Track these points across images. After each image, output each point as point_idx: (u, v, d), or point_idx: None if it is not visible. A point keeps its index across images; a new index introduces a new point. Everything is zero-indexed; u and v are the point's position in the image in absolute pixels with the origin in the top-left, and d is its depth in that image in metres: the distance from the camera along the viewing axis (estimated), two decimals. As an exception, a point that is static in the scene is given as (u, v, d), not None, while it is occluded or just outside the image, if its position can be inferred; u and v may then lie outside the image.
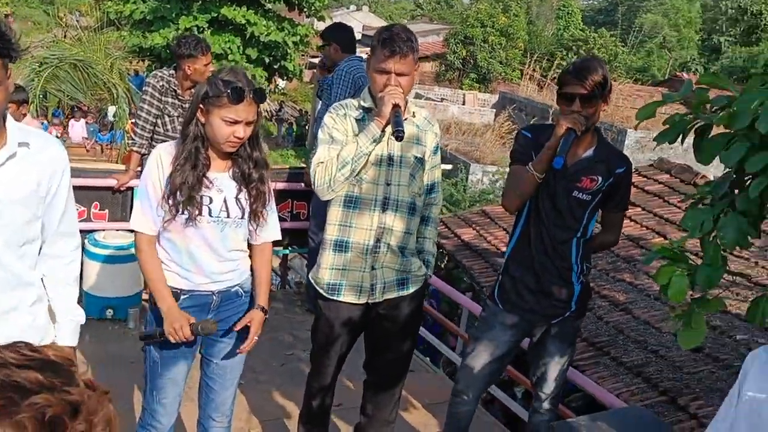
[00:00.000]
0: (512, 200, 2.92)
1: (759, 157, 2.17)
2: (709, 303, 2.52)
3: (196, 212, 2.34)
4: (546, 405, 3.06)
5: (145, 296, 4.79)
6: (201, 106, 2.31)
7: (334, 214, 2.74)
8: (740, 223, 2.36)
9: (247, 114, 2.30)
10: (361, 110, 2.71)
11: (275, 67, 17.06)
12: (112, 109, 12.91)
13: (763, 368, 1.64)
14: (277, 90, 24.86)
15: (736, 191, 2.41)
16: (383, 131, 2.59)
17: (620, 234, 3.09)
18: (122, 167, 5.13)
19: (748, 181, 2.30)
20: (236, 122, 2.28)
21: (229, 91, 2.24)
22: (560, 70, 3.06)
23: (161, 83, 4.56)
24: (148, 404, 2.55)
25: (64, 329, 2.14)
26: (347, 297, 2.78)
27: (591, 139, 2.83)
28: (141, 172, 4.68)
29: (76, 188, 2.13)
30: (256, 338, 2.49)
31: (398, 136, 2.47)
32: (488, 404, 5.44)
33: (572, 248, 2.86)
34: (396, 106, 2.51)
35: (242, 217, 2.45)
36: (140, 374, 3.65)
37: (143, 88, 4.68)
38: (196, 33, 13.90)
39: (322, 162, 2.64)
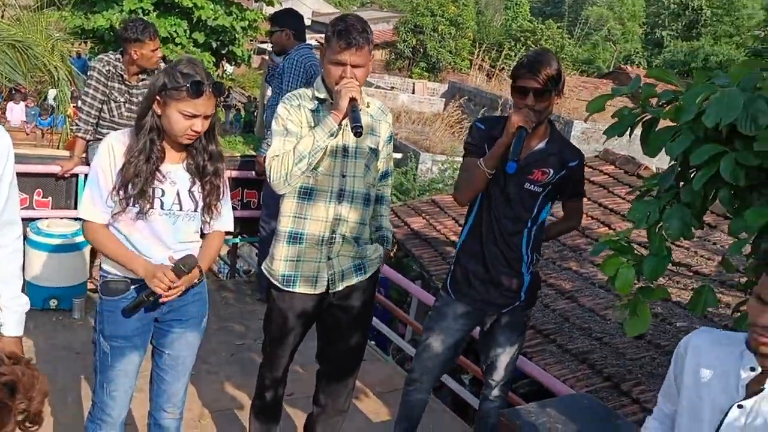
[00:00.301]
0: (464, 194, 2.96)
1: (703, 149, 2.25)
2: (653, 292, 2.60)
3: (148, 205, 2.30)
4: (496, 392, 3.12)
5: (90, 285, 4.68)
6: (158, 97, 2.27)
7: (289, 205, 2.72)
8: (684, 215, 2.43)
9: (206, 108, 2.27)
10: (315, 101, 2.69)
11: (223, 52, 16.76)
12: (52, 93, 12.48)
13: (698, 353, 1.70)
14: (224, 75, 24.46)
15: (681, 184, 2.49)
16: (340, 125, 2.57)
17: (581, 219, 3.17)
18: (66, 153, 4.98)
19: (693, 174, 2.38)
20: (195, 116, 2.26)
21: (188, 84, 2.21)
22: (508, 61, 3.13)
23: (107, 68, 4.44)
24: (98, 397, 2.49)
25: (9, 319, 2.07)
26: (302, 288, 2.76)
27: (544, 132, 2.87)
28: (86, 158, 4.57)
29: (17, 175, 2.06)
30: (182, 288, 2.37)
31: (357, 132, 2.45)
32: (436, 391, 5.50)
33: (523, 239, 2.90)
34: (353, 100, 2.49)
35: (195, 210, 2.41)
36: (86, 365, 3.58)
37: (88, 73, 4.55)
38: (141, 15, 13.55)
39: (277, 155, 2.60)
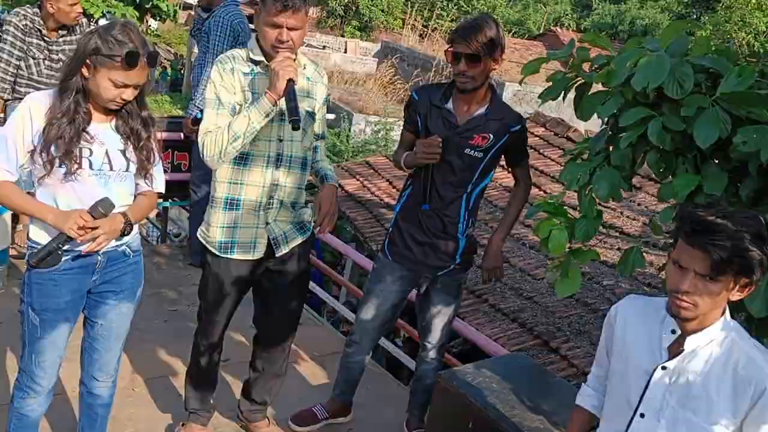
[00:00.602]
0: (397, 167, 3.08)
1: (631, 112, 2.30)
2: (584, 253, 2.66)
3: (75, 166, 2.20)
4: (432, 354, 3.17)
5: (13, 252, 4.49)
6: (88, 60, 2.16)
7: (224, 171, 2.66)
8: (614, 177, 2.50)
9: (139, 78, 2.20)
10: (250, 63, 2.61)
11: (147, 6, 16.11)
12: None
13: (626, 320, 1.76)
14: (149, 32, 23.59)
15: (611, 147, 2.54)
16: (275, 103, 2.50)
17: (530, 181, 3.14)
18: (-19, 113, 4.71)
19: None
20: (126, 85, 2.18)
21: (123, 55, 2.11)
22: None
23: (24, 22, 4.20)
24: (27, 367, 2.41)
25: None
26: (239, 254, 2.73)
27: (484, 97, 2.88)
28: (4, 119, 4.34)
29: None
30: (102, 236, 2.23)
31: (295, 125, 2.40)
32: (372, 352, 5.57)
33: (461, 204, 2.93)
34: (290, 82, 2.43)
35: (127, 170, 2.32)
36: (9, 335, 3.45)
37: (3, 27, 4.29)
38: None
39: (210, 131, 2.53)
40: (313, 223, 2.85)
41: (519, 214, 3.14)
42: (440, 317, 3.09)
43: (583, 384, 1.95)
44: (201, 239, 2.79)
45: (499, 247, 3.07)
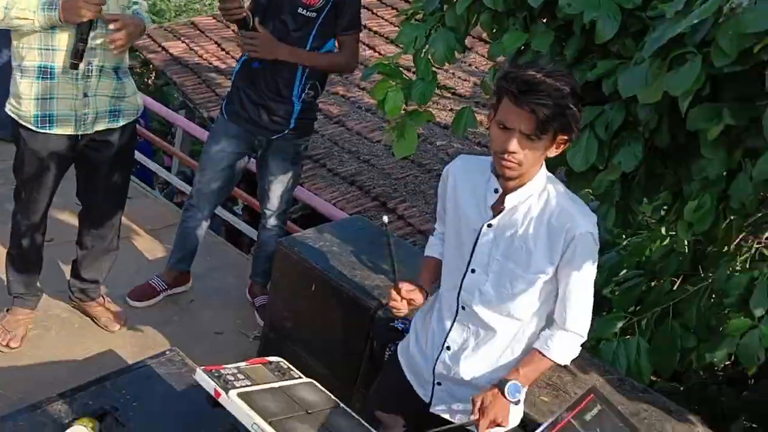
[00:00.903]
0: None
1: (466, -28, 2.27)
2: (420, 115, 2.70)
3: None
4: (272, 221, 3.16)
5: None
6: None
7: (31, 36, 2.36)
8: (449, 39, 2.50)
9: None
10: None
11: None
12: None
13: (456, 180, 1.81)
14: None
15: (446, 7, 2.52)
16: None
17: (355, 57, 3.00)
18: None
19: (456, -3, 2.42)
20: None
21: None
22: None
23: None
24: None
25: None
26: (58, 129, 2.49)
27: None
28: None
29: None
30: None
31: (72, 65, 2.35)
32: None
33: (298, 67, 2.84)
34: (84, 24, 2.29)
35: None
36: None
37: None
38: None
39: None
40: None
41: (325, 62, 2.94)
42: (279, 183, 3.06)
43: (430, 236, 2.01)
44: (11, 114, 2.50)
45: (289, 49, 2.79)
